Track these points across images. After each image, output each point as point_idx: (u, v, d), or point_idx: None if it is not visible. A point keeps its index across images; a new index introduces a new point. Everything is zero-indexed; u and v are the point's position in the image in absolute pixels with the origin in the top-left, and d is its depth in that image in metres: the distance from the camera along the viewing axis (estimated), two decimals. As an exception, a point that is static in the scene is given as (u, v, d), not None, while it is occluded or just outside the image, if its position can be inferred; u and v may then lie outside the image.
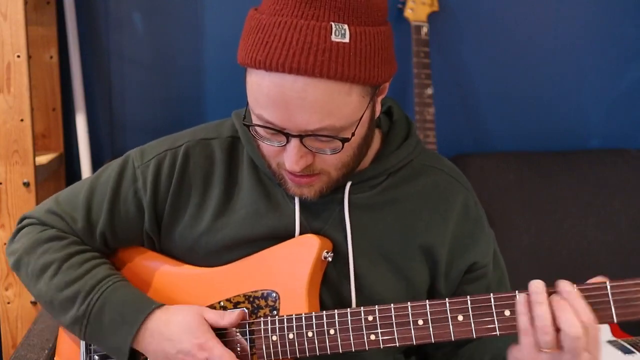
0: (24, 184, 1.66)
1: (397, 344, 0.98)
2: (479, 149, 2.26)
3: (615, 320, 0.92)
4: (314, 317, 1.02)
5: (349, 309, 1.01)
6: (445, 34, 2.16)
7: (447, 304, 0.96)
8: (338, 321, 1.00)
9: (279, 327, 1.03)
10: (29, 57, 1.66)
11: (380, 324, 0.99)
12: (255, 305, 1.06)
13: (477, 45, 2.20)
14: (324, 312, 1.01)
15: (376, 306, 0.99)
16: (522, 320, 0.92)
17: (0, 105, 1.63)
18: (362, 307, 1.00)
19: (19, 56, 1.62)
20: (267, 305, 1.06)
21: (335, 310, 1.00)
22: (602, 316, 0.91)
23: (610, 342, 1.79)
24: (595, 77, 2.28)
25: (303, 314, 1.02)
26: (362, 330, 0.99)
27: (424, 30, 2.04)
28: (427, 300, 0.98)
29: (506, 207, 2.08)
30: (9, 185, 1.66)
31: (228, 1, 2.05)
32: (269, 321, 1.03)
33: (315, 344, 1.01)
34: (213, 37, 2.06)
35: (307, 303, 1.04)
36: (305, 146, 0.98)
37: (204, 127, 1.21)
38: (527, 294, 0.94)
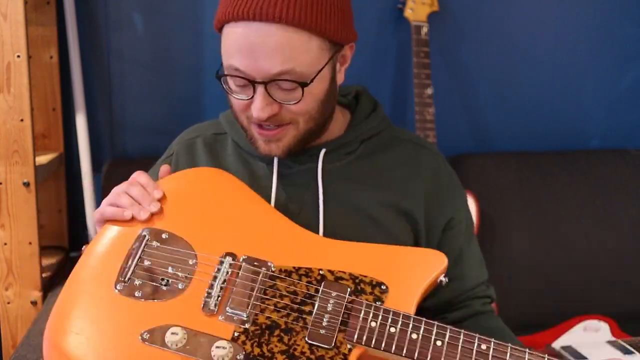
0: (24, 184, 1.66)
1: None
2: (479, 149, 2.26)
3: None
4: (424, 322, 0.99)
5: (463, 330, 0.98)
6: (445, 34, 2.16)
7: None
8: (449, 336, 0.98)
9: (382, 316, 0.99)
10: (29, 57, 1.66)
11: (492, 356, 0.96)
12: (359, 289, 1.03)
13: (477, 45, 2.20)
14: (436, 322, 0.99)
15: (492, 340, 0.97)
16: None
17: (0, 105, 1.63)
18: (477, 334, 0.98)
19: (19, 56, 1.62)
20: (372, 293, 1.03)
21: (449, 326, 0.99)
22: None
23: (610, 342, 1.79)
24: (595, 77, 2.29)
25: (412, 315, 1.00)
26: (472, 355, 0.97)
27: (424, 30, 2.04)
28: (546, 355, 0.97)
29: (506, 207, 2.08)
30: (9, 185, 1.66)
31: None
32: (373, 306, 1.01)
33: (416, 347, 0.98)
34: (213, 37, 2.05)
35: (414, 309, 1.02)
36: (269, 95, 1.06)
37: (192, 129, 1.32)
38: None
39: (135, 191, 1.11)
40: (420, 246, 1.21)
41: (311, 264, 1.06)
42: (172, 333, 0.98)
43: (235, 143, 1.25)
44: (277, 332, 1.00)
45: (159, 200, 1.11)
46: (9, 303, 1.72)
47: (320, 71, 1.08)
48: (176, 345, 0.97)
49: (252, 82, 1.06)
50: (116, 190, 1.13)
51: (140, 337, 0.98)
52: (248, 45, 1.04)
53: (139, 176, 1.14)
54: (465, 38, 2.19)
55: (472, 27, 2.19)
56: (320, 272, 1.05)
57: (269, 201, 1.17)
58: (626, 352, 1.72)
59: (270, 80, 1.05)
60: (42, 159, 1.84)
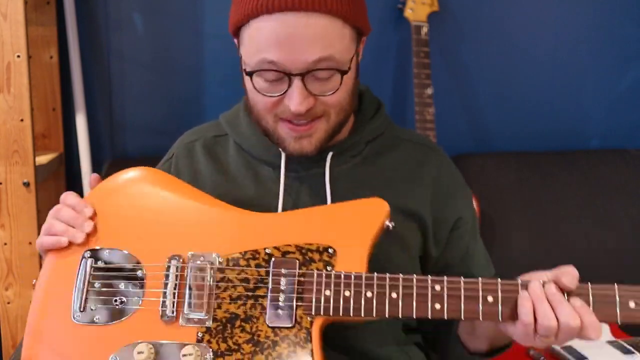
0: (24, 184, 1.66)
1: (462, 317, 0.97)
2: (479, 149, 2.26)
3: (619, 322, 0.96)
4: (375, 277, 0.99)
5: (414, 275, 0.99)
6: (445, 34, 2.16)
7: (519, 285, 0.97)
8: (402, 286, 0.98)
9: (334, 283, 1.00)
10: (29, 57, 1.66)
11: (447, 295, 0.97)
12: (308, 258, 1.03)
13: (477, 45, 2.20)
14: (387, 274, 0.99)
15: (445, 277, 0.98)
16: (526, 313, 0.95)
17: (0, 105, 1.63)
18: (429, 276, 0.99)
19: (19, 56, 1.62)
20: (321, 260, 1.02)
21: (400, 275, 0.99)
22: (605, 315, 0.95)
23: (610, 342, 1.79)
24: (595, 77, 2.29)
25: (363, 274, 1.00)
26: (427, 299, 0.98)
27: (424, 30, 2.04)
28: (498, 279, 0.98)
29: (506, 207, 2.08)
30: (9, 185, 1.66)
31: (228, 1, 2.05)
32: (324, 274, 1.00)
33: (373, 304, 0.98)
34: (213, 37, 2.06)
35: (366, 265, 1.02)
36: (306, 88, 1.04)
37: (192, 131, 1.31)
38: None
39: (65, 215, 1.08)
40: (428, 246, 1.19)
41: (257, 245, 1.05)
42: (138, 352, 0.99)
43: (238, 145, 1.23)
44: (238, 323, 1.00)
45: (92, 217, 1.08)
46: (9, 303, 1.72)
47: (352, 59, 1.08)
48: None
49: (288, 75, 1.04)
50: (48, 217, 1.10)
51: None
52: (285, 36, 1.02)
53: (66, 197, 1.11)
54: (465, 38, 2.19)
55: (472, 27, 2.19)
56: (267, 251, 1.04)
57: (275, 206, 1.15)
58: (626, 352, 1.72)
59: (307, 72, 1.03)
60: (42, 159, 1.84)
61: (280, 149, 1.16)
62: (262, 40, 1.04)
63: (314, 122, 1.09)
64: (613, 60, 2.28)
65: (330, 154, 1.17)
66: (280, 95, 1.06)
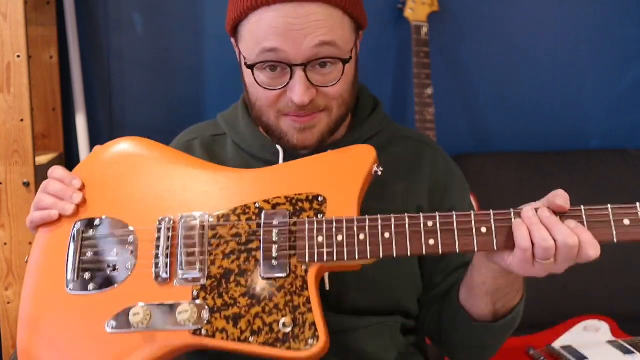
0: (24, 184, 1.66)
1: (458, 250, 0.96)
2: (479, 149, 2.26)
3: (615, 240, 0.95)
4: (367, 219, 0.98)
5: (406, 214, 0.98)
6: (445, 34, 2.16)
7: (512, 214, 0.96)
8: (394, 224, 0.97)
9: (326, 228, 0.99)
10: (29, 57, 1.66)
11: (440, 230, 0.96)
12: (298, 208, 1.02)
13: (477, 45, 2.20)
14: (379, 215, 0.98)
15: (437, 213, 0.97)
16: (522, 238, 0.94)
17: (0, 105, 1.63)
18: (421, 213, 0.97)
19: (19, 56, 1.62)
20: (311, 209, 1.02)
21: (392, 215, 0.98)
22: (601, 234, 0.94)
23: (610, 342, 1.79)
24: (595, 77, 2.29)
25: (355, 217, 0.99)
26: (421, 235, 0.97)
27: (424, 30, 2.04)
28: (491, 210, 0.97)
29: (506, 207, 2.08)
30: (9, 185, 1.66)
31: (228, 1, 2.05)
32: (315, 221, 1.00)
33: (367, 246, 0.97)
34: (213, 37, 2.06)
35: (357, 210, 1.01)
36: (308, 79, 1.05)
37: (189, 130, 1.30)
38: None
39: (53, 188, 1.09)
40: None
41: (246, 200, 1.04)
42: (134, 314, 0.99)
43: (236, 145, 1.23)
44: (232, 277, 1.00)
45: (80, 189, 1.09)
46: (9, 303, 1.72)
47: (352, 50, 1.09)
48: (142, 324, 0.98)
49: (290, 66, 1.04)
50: (38, 192, 1.11)
51: (107, 328, 1.00)
52: (285, 25, 1.03)
53: (53, 171, 1.11)
54: (465, 38, 2.19)
55: (472, 27, 2.19)
56: (257, 205, 1.04)
57: None
58: (626, 352, 1.72)
59: (308, 62, 1.04)
60: (42, 159, 1.84)
61: (280, 145, 1.16)
62: (263, 31, 1.04)
63: (316, 114, 1.09)
64: (613, 60, 2.28)
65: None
66: (282, 88, 1.06)
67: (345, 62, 1.07)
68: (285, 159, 1.17)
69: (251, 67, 1.07)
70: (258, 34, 1.05)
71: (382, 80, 2.16)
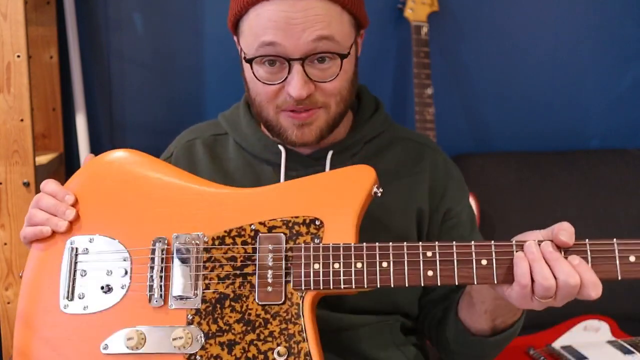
0: (24, 184, 1.66)
1: (456, 283, 0.95)
2: (479, 149, 2.26)
3: (619, 277, 0.92)
4: (365, 247, 0.97)
5: (405, 243, 0.96)
6: (445, 34, 2.16)
7: (514, 245, 0.94)
8: (392, 254, 0.96)
9: (323, 255, 0.97)
10: (29, 57, 1.66)
11: (440, 260, 0.95)
12: (295, 232, 1.00)
13: (477, 45, 2.20)
14: (377, 244, 0.97)
15: (436, 242, 0.96)
16: (522, 274, 0.92)
17: (0, 105, 1.63)
18: (420, 242, 0.97)
19: (19, 56, 1.62)
20: (308, 233, 1.00)
21: (390, 243, 0.97)
22: (605, 271, 0.92)
23: (610, 342, 1.79)
24: (595, 77, 2.29)
25: (352, 244, 0.97)
26: (419, 266, 0.95)
27: (424, 30, 2.04)
28: (492, 241, 0.96)
29: (506, 207, 2.08)
30: (9, 185, 1.66)
31: (228, 1, 2.05)
32: (312, 248, 0.98)
33: (364, 275, 0.96)
34: (213, 37, 2.06)
35: (355, 234, 0.99)
36: (306, 74, 1.05)
37: (189, 130, 1.31)
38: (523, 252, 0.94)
39: (46, 203, 1.07)
40: (421, 238, 1.19)
41: (242, 222, 1.03)
42: (128, 338, 0.98)
43: (238, 144, 1.23)
44: (227, 302, 0.99)
45: (73, 204, 1.06)
46: (9, 303, 1.72)
47: (351, 46, 1.09)
48: (137, 348, 0.98)
49: (288, 60, 1.05)
50: (30, 207, 1.09)
51: (101, 350, 1.00)
52: (284, 19, 1.03)
53: (45, 185, 1.09)
54: (465, 38, 2.19)
55: (472, 27, 2.19)
56: (252, 227, 1.02)
57: None
58: (626, 352, 1.72)
59: (306, 57, 1.04)
60: (42, 159, 1.84)
61: (281, 143, 1.16)
62: (261, 25, 1.05)
63: (314, 110, 1.09)
64: (613, 60, 2.28)
65: (330, 153, 1.17)
66: (281, 82, 1.07)
67: (343, 57, 1.06)
68: (287, 159, 1.17)
69: (250, 61, 1.08)
70: (257, 28, 1.06)
71: (382, 80, 2.16)
